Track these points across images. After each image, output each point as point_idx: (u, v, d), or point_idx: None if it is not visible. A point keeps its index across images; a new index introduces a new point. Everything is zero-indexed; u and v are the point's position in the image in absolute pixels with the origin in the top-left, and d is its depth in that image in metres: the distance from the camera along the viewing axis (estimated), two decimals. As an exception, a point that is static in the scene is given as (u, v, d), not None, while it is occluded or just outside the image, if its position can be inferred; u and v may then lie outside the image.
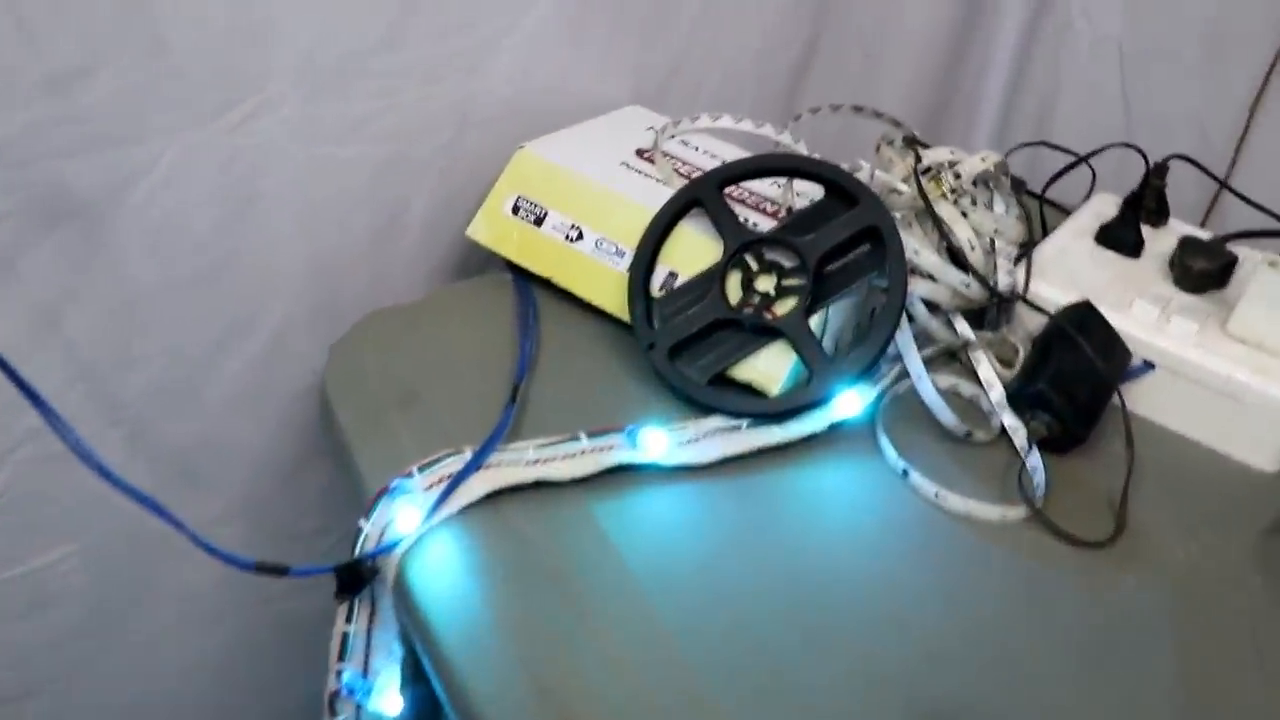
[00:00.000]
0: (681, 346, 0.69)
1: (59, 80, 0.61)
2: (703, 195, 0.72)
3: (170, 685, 0.88)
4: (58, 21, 0.59)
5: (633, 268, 0.72)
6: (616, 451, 0.63)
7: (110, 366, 0.71)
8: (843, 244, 0.69)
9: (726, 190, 0.73)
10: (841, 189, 0.71)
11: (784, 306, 0.69)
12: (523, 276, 0.77)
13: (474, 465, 0.61)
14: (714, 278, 0.70)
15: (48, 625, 0.79)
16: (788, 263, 0.70)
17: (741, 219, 0.72)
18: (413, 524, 0.58)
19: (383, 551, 0.58)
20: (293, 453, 0.83)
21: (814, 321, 0.69)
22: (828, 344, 0.71)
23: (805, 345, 0.68)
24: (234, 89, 0.67)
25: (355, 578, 0.59)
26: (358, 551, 0.60)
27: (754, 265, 0.70)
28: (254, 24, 0.65)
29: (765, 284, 0.70)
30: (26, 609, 0.78)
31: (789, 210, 0.75)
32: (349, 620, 0.60)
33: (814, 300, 0.69)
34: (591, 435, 0.64)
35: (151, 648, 0.85)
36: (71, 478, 0.63)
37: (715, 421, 0.67)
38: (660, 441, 0.64)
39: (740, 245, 0.70)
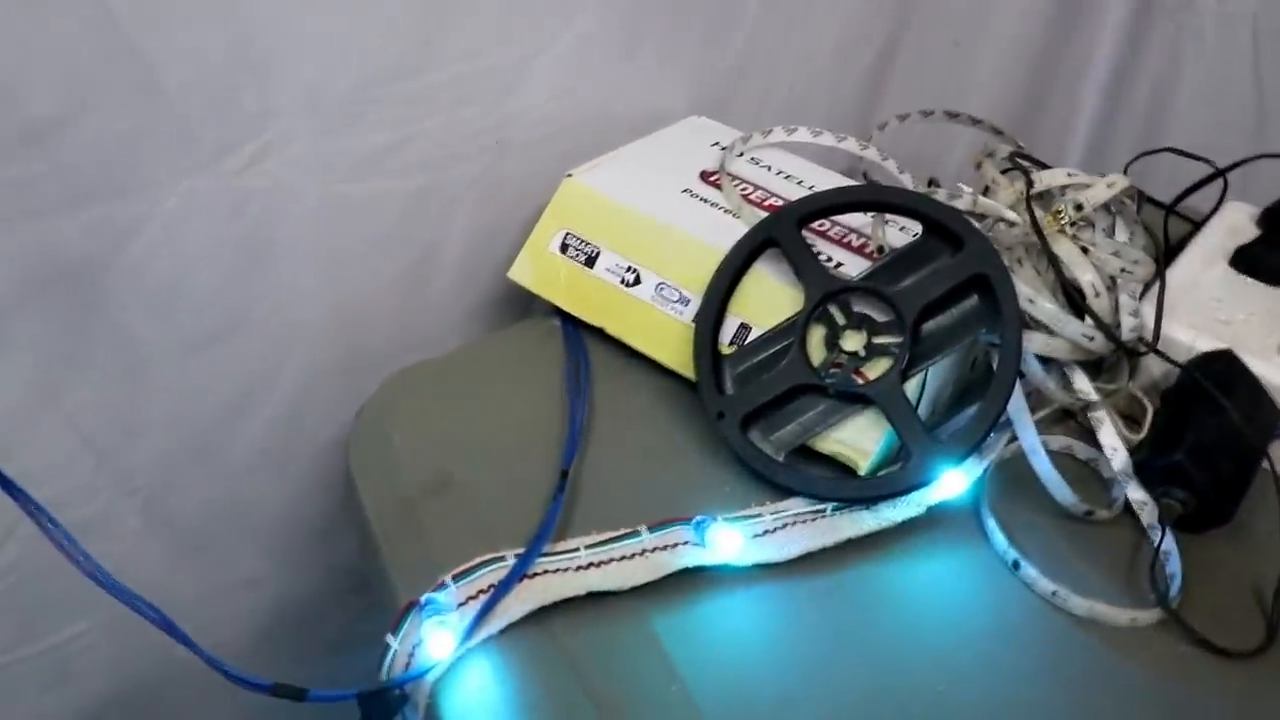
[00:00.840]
0: (756, 415, 0.60)
1: (37, 131, 0.53)
2: (779, 235, 0.62)
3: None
4: (32, 65, 0.52)
5: (699, 320, 0.62)
6: (682, 551, 0.55)
7: (119, 435, 0.65)
8: (945, 295, 0.60)
9: (807, 227, 0.63)
10: (944, 228, 0.61)
11: (876, 369, 0.59)
12: (571, 324, 0.68)
13: (516, 575, 0.52)
14: (794, 333, 0.61)
15: (74, 697, 0.74)
16: (880, 317, 0.60)
17: (825, 257, 0.63)
18: (446, 649, 0.51)
19: (412, 679, 0.51)
20: (322, 509, 0.76)
21: (910, 386, 0.59)
22: (924, 408, 0.61)
23: (901, 416, 0.58)
24: (237, 128, 0.59)
25: (382, 707, 0.52)
26: (385, 673, 0.52)
27: (841, 319, 0.61)
28: (255, 55, 0.57)
29: (854, 342, 0.60)
30: (51, 683, 0.73)
31: (880, 250, 0.65)
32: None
33: (910, 361, 0.59)
34: (653, 529, 0.55)
35: (180, 716, 0.80)
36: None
37: (795, 505, 0.58)
38: (733, 540, 0.55)
39: (824, 295, 0.61)
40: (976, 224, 0.64)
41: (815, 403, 0.60)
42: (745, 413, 0.60)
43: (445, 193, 0.69)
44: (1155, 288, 0.68)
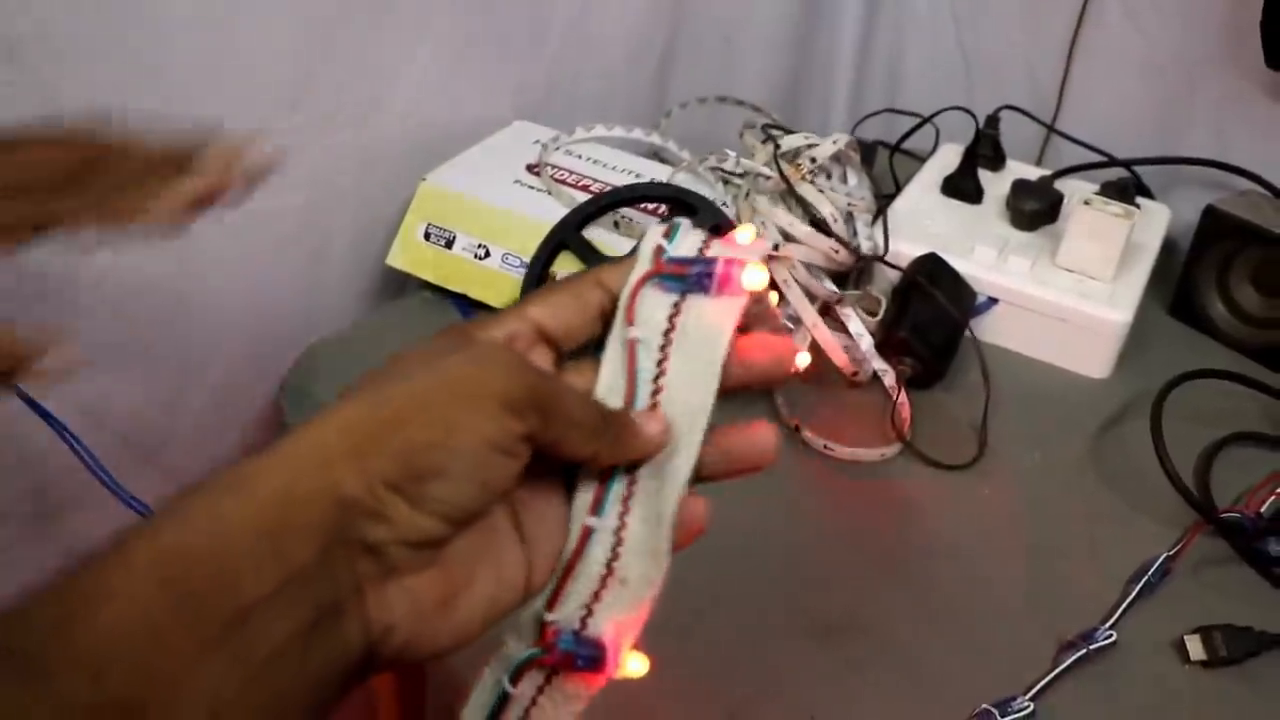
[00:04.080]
0: None
1: None
2: (567, 238, 0.81)
3: None
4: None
5: None
6: None
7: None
8: None
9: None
10: (682, 202, 0.81)
11: None
12: (442, 294, 0.86)
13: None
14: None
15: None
16: None
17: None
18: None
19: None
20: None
21: None
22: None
23: None
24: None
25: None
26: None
27: None
28: (177, 110, 0.72)
29: None
30: None
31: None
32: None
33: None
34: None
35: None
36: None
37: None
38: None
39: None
40: (740, 179, 0.84)
41: None
42: None
43: (328, 202, 0.85)
44: (883, 215, 0.89)
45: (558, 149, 0.91)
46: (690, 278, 0.38)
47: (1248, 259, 0.87)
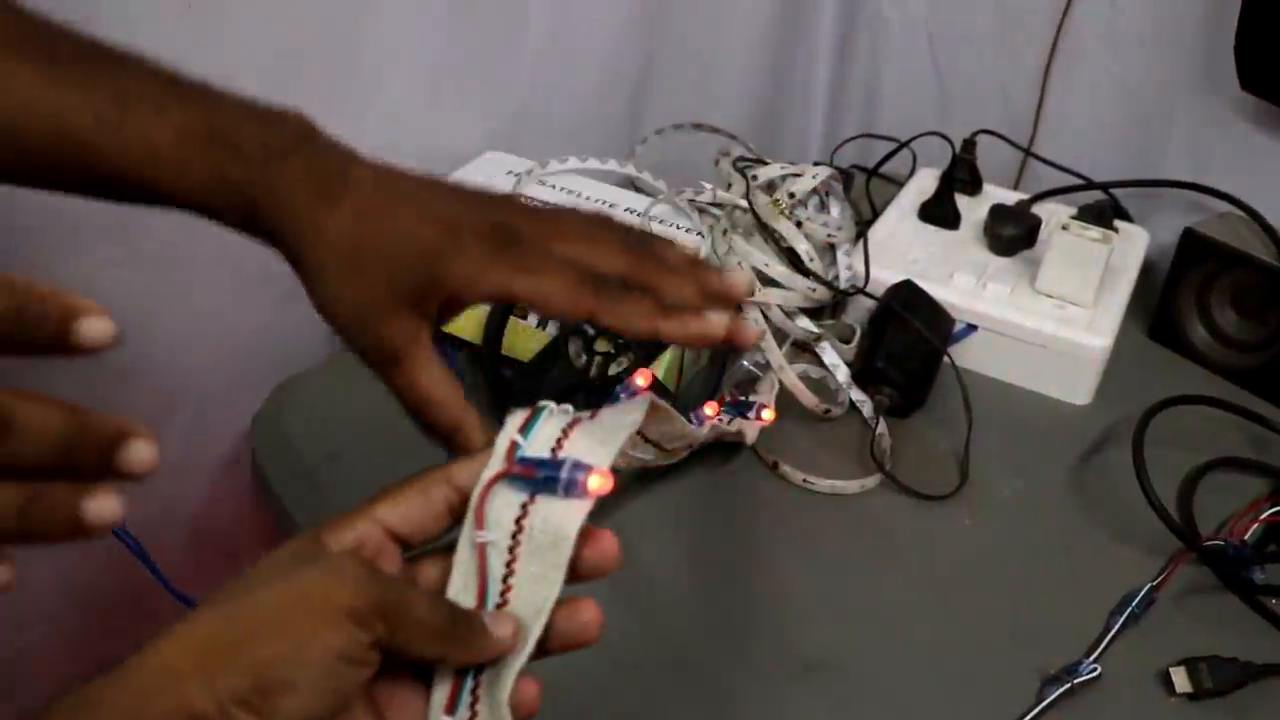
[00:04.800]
0: None
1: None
2: None
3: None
4: None
5: (483, 357, 0.79)
6: None
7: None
8: None
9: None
10: None
11: (625, 361, 0.77)
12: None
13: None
14: (557, 348, 0.77)
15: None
16: None
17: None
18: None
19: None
20: (229, 514, 0.90)
21: (664, 365, 0.78)
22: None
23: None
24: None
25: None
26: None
27: (590, 330, 0.78)
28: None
29: (604, 345, 0.77)
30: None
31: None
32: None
33: (650, 352, 0.77)
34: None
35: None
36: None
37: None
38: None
39: None
40: (718, 210, 0.84)
41: (587, 396, 0.76)
42: None
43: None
44: (862, 243, 0.88)
45: (532, 180, 0.90)
46: (539, 480, 0.39)
47: (1227, 282, 0.87)
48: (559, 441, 0.40)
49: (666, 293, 0.45)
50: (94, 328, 0.32)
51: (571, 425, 0.41)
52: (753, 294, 0.78)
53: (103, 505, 0.32)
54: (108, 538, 0.61)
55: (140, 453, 0.33)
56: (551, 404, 0.42)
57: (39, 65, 0.42)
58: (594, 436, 0.40)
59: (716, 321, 0.45)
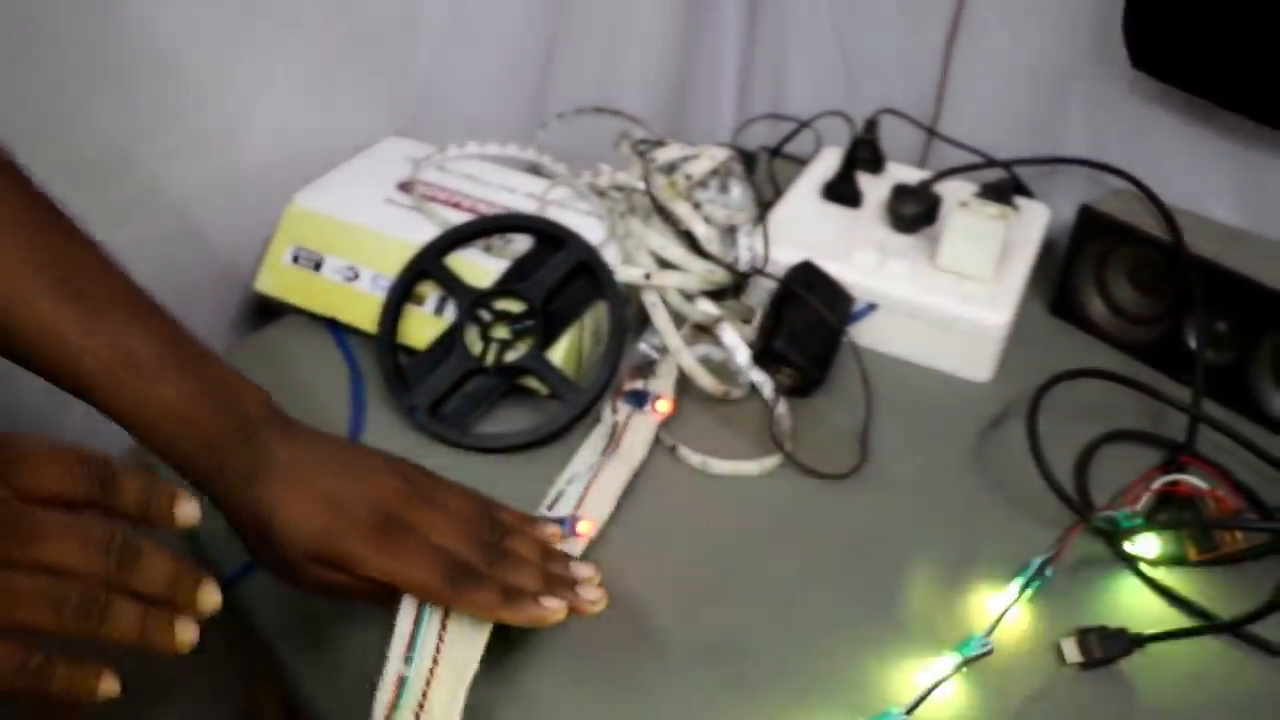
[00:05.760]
0: (440, 402, 0.76)
1: None
2: (427, 267, 0.79)
3: None
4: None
5: (378, 345, 0.78)
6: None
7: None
8: (562, 280, 0.78)
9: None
10: (549, 235, 0.80)
11: (523, 347, 0.76)
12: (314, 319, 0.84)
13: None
14: (455, 335, 0.77)
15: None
16: (516, 308, 0.77)
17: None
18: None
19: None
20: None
21: (560, 351, 0.77)
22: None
23: (548, 375, 0.76)
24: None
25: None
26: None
27: (487, 316, 0.77)
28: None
29: (501, 331, 0.77)
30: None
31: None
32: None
33: (546, 335, 0.77)
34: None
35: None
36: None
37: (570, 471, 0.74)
38: (591, 523, 0.68)
39: (470, 302, 0.77)
40: (618, 193, 0.83)
41: (484, 382, 0.77)
42: (431, 401, 0.75)
43: (194, 228, 0.83)
44: (762, 224, 0.88)
45: (430, 166, 0.89)
46: None
47: (1123, 257, 0.88)
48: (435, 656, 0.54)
49: (515, 581, 0.56)
50: (187, 511, 0.47)
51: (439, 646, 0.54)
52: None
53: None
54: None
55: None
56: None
57: (59, 299, 0.53)
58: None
59: (553, 607, 0.55)
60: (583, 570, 0.60)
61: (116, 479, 0.46)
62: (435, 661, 0.54)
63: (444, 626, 0.55)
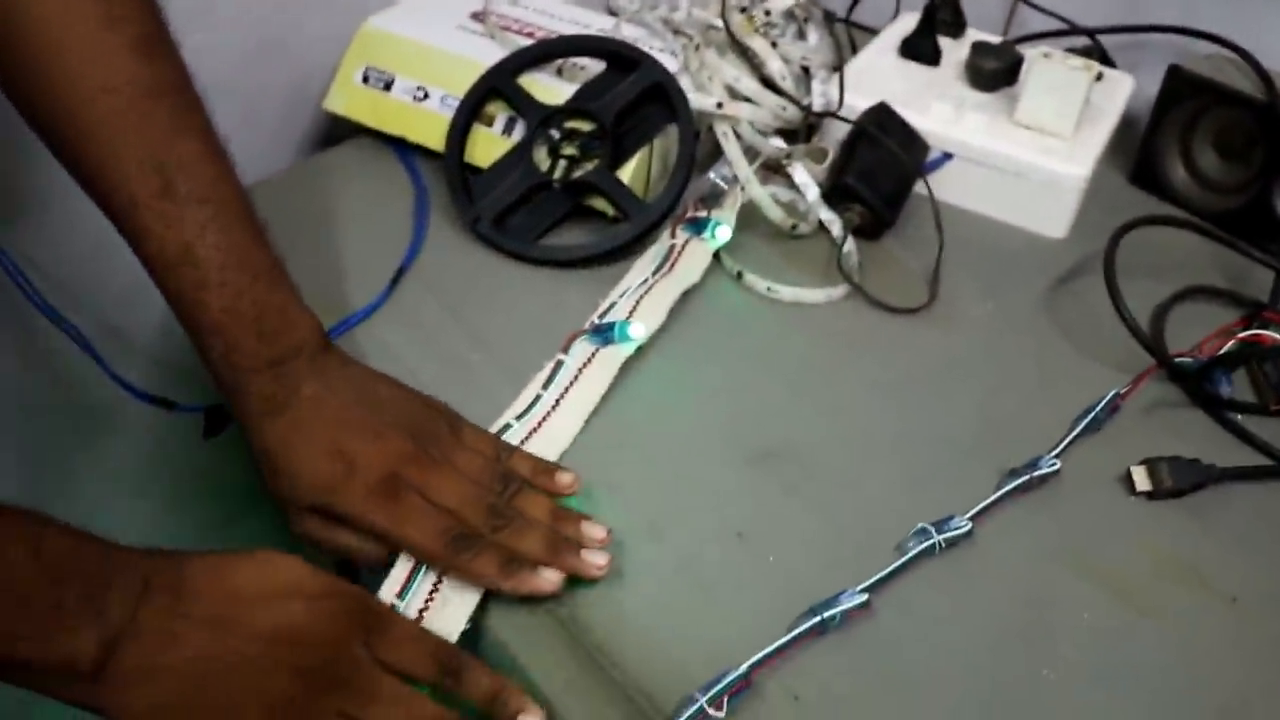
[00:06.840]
0: (505, 214, 0.75)
1: None
2: (499, 83, 0.78)
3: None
4: None
5: (446, 158, 0.77)
6: (606, 354, 0.66)
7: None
8: (633, 102, 0.76)
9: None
10: (623, 57, 0.78)
11: (590, 165, 0.75)
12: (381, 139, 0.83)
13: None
14: (523, 151, 0.76)
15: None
16: (586, 127, 0.76)
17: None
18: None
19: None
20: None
21: (630, 170, 0.76)
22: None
23: (616, 194, 0.75)
24: None
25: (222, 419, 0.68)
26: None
27: (556, 135, 0.76)
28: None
29: (570, 149, 0.76)
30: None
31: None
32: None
33: (616, 157, 0.75)
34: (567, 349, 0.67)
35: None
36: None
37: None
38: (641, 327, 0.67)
39: (540, 120, 0.76)
40: (692, 31, 0.82)
41: (549, 197, 0.76)
42: (495, 213, 0.75)
43: (273, 43, 0.82)
44: (838, 71, 0.86)
45: (501, 1, 0.87)
46: None
47: (1211, 121, 0.85)
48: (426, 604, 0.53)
49: (516, 548, 0.53)
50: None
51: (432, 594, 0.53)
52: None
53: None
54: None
55: None
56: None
57: (151, 187, 0.54)
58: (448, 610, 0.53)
59: (551, 579, 0.53)
60: (594, 532, 0.56)
61: (467, 671, 0.49)
62: (421, 616, 0.52)
63: (438, 583, 0.53)
